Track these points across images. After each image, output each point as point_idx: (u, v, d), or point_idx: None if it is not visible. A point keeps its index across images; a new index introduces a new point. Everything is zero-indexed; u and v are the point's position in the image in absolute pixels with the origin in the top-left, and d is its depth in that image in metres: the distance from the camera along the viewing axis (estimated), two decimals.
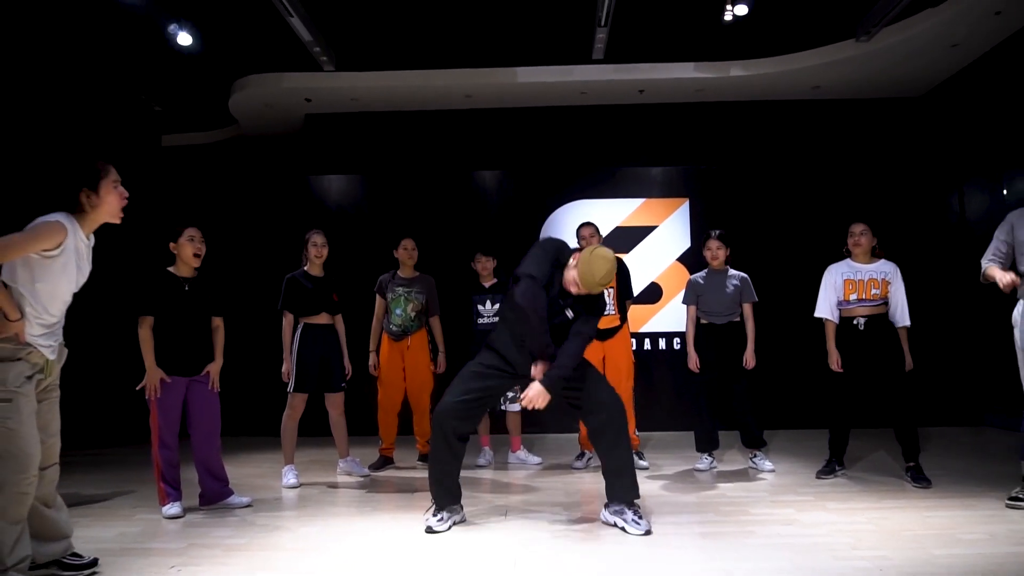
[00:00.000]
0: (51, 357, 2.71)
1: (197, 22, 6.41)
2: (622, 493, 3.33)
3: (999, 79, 6.43)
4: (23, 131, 6.04)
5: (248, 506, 3.92)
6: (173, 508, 3.70)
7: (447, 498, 3.44)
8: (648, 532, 3.21)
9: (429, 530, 3.31)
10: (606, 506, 3.41)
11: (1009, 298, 3.66)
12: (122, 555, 3.01)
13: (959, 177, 7.17)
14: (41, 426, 2.65)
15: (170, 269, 3.86)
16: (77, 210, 2.73)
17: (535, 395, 3.24)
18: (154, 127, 8.36)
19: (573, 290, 3.29)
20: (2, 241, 2.47)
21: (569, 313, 3.36)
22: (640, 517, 3.26)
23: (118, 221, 2.85)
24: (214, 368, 3.89)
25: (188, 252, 3.84)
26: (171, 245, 3.86)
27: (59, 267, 2.63)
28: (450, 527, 3.37)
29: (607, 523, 3.37)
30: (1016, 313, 3.61)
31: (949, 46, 6.45)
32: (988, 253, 3.71)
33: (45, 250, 2.58)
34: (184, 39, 6.35)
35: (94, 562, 2.81)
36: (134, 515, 3.77)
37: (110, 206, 2.78)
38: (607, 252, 3.22)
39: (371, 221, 7.36)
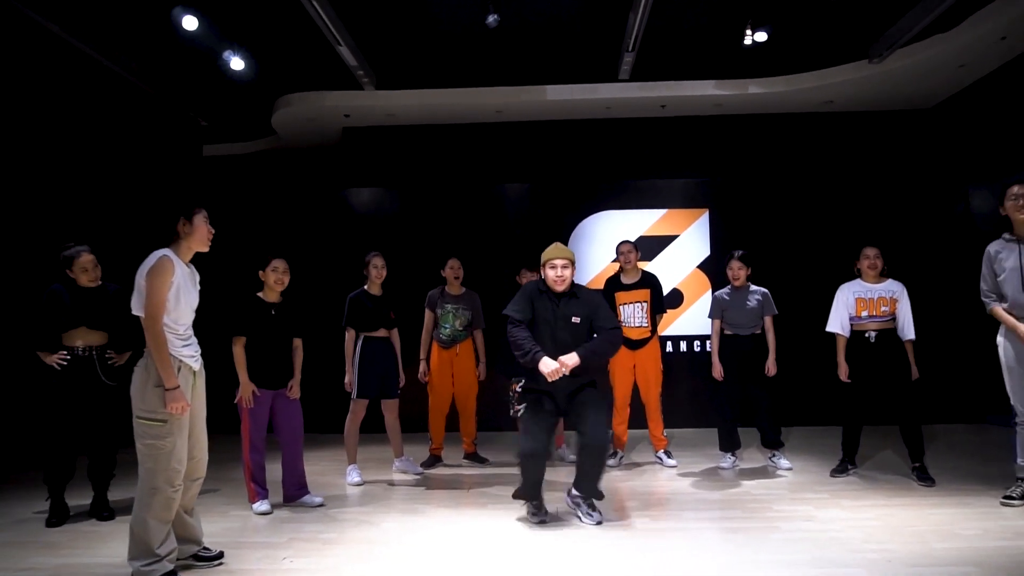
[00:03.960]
0: (196, 367, 3.18)
1: (247, 45, 6.86)
2: (587, 491, 3.88)
3: (1004, 96, 6.82)
4: (83, 139, 6.70)
5: (321, 505, 4.41)
6: (263, 505, 4.21)
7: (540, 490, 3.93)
8: (600, 523, 3.79)
9: (542, 522, 3.84)
10: (569, 492, 4.01)
11: None
12: (236, 548, 3.50)
13: (965, 183, 7.55)
14: (192, 442, 3.14)
15: (259, 295, 4.36)
16: (173, 240, 3.17)
17: (568, 359, 3.77)
18: (197, 138, 8.81)
19: (559, 288, 3.90)
20: (148, 309, 2.97)
21: (575, 319, 3.91)
22: (593, 510, 3.87)
23: (207, 248, 3.29)
24: (294, 382, 4.40)
25: (272, 280, 4.33)
26: (260, 273, 4.35)
27: (174, 294, 3.05)
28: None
29: (568, 508, 4.02)
30: (1000, 334, 4.07)
31: (956, 67, 6.84)
32: (984, 287, 4.11)
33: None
34: (236, 64, 6.80)
35: (221, 555, 3.31)
36: (228, 511, 4.28)
37: (200, 233, 3.21)
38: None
39: (402, 233, 7.81)
